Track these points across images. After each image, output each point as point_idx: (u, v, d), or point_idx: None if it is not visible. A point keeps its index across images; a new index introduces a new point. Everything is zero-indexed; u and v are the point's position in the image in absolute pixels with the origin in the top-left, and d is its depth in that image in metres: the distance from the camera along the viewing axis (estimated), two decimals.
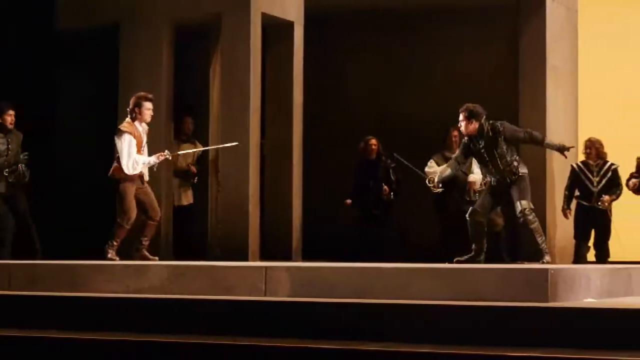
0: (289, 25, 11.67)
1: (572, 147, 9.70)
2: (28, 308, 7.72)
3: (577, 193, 11.54)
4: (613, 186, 11.39)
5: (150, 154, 10.16)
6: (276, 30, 11.70)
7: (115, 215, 10.11)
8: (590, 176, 11.46)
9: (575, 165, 11.58)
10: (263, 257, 11.01)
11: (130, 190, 9.96)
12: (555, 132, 11.61)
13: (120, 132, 9.98)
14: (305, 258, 11.41)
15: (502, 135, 9.46)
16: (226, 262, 8.99)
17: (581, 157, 11.69)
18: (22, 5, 12.16)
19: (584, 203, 11.47)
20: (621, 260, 11.04)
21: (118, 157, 9.97)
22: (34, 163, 11.06)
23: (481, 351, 5.98)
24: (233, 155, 11.01)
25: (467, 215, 9.61)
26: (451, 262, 9.28)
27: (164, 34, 11.63)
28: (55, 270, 8.52)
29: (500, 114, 9.89)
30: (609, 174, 11.41)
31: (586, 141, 11.60)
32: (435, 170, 10.30)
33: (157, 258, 10.09)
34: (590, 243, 11.57)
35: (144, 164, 10.04)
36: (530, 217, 9.41)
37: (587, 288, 7.40)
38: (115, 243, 9.96)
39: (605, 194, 11.33)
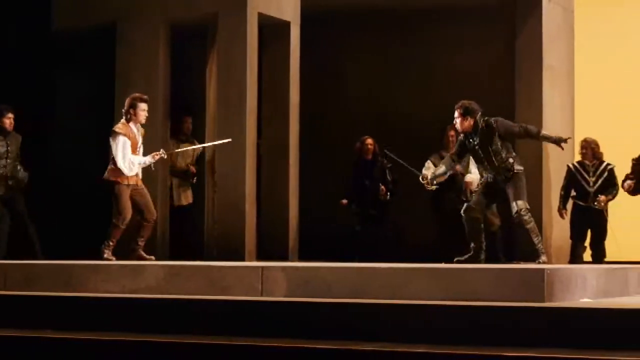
0: (286, 25, 11.67)
1: (569, 137, 9.65)
2: (24, 308, 7.71)
3: (573, 193, 11.54)
4: (609, 186, 11.40)
5: (147, 153, 10.17)
6: (272, 30, 11.70)
7: (112, 216, 10.12)
8: (587, 176, 11.47)
9: (571, 166, 11.59)
10: (259, 257, 11.01)
11: (125, 190, 9.97)
12: (551, 132, 11.54)
13: (115, 134, 9.99)
14: (301, 258, 11.41)
15: (496, 132, 9.46)
16: (222, 262, 8.98)
17: (577, 157, 11.71)
18: (19, 6, 12.15)
19: (580, 203, 11.47)
20: (617, 260, 11.05)
21: (113, 159, 9.97)
22: (31, 163, 11.06)
23: (477, 351, 5.98)
24: (229, 155, 11.02)
25: (462, 212, 9.60)
26: (447, 262, 9.26)
27: (161, 33, 11.63)
28: (52, 270, 8.52)
29: (497, 114, 9.87)
30: (605, 174, 11.42)
31: (582, 141, 11.60)
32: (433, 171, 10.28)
33: (153, 258, 10.09)
34: (587, 243, 11.57)
35: (139, 164, 10.05)
36: (526, 218, 9.41)
37: (583, 288, 7.40)
38: (111, 243, 9.97)
39: (602, 194, 11.34)
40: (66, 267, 8.51)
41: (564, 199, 11.54)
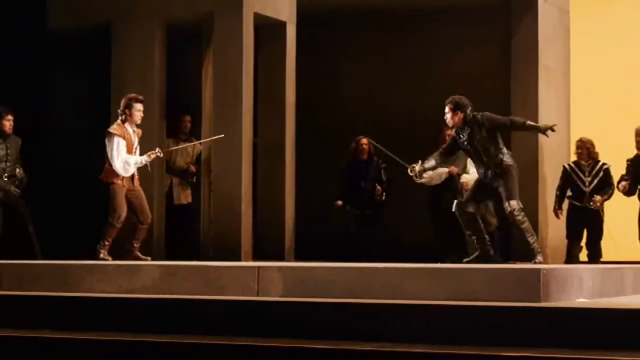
0: (282, 25, 11.66)
1: (555, 125, 9.61)
2: (20, 308, 7.71)
3: (569, 193, 11.55)
4: (605, 186, 11.40)
5: (143, 153, 10.16)
6: (268, 30, 11.70)
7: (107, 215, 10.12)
8: (582, 176, 11.48)
9: (567, 166, 11.60)
10: (255, 257, 11.00)
11: (121, 189, 9.97)
12: None
13: (110, 135, 9.99)
14: (297, 258, 11.41)
15: (483, 126, 9.46)
16: (218, 262, 8.97)
17: (573, 157, 11.72)
18: (14, 6, 12.13)
19: (576, 203, 11.48)
20: (613, 260, 11.06)
21: (109, 160, 9.97)
22: (30, 164, 11.05)
23: (474, 351, 5.99)
24: (225, 155, 11.01)
25: (454, 208, 9.57)
26: (443, 261, 9.25)
27: (157, 33, 11.61)
28: (48, 270, 8.51)
29: (495, 113, 9.87)
30: (601, 174, 11.43)
31: (577, 141, 11.61)
32: (430, 173, 10.27)
33: (149, 258, 10.10)
34: (583, 243, 11.58)
35: (135, 164, 10.05)
36: (520, 217, 9.38)
37: (580, 288, 7.41)
38: (106, 243, 9.97)
39: (597, 194, 11.34)
40: (62, 267, 8.50)
41: (559, 199, 11.55)
